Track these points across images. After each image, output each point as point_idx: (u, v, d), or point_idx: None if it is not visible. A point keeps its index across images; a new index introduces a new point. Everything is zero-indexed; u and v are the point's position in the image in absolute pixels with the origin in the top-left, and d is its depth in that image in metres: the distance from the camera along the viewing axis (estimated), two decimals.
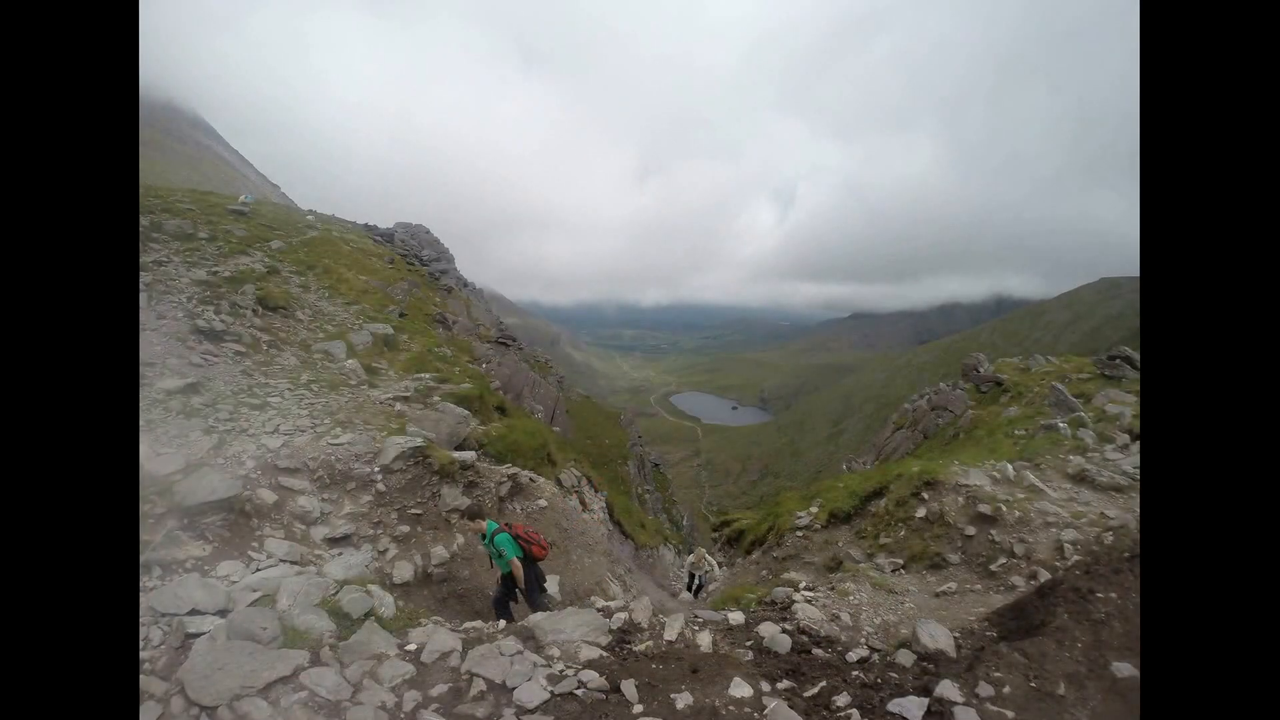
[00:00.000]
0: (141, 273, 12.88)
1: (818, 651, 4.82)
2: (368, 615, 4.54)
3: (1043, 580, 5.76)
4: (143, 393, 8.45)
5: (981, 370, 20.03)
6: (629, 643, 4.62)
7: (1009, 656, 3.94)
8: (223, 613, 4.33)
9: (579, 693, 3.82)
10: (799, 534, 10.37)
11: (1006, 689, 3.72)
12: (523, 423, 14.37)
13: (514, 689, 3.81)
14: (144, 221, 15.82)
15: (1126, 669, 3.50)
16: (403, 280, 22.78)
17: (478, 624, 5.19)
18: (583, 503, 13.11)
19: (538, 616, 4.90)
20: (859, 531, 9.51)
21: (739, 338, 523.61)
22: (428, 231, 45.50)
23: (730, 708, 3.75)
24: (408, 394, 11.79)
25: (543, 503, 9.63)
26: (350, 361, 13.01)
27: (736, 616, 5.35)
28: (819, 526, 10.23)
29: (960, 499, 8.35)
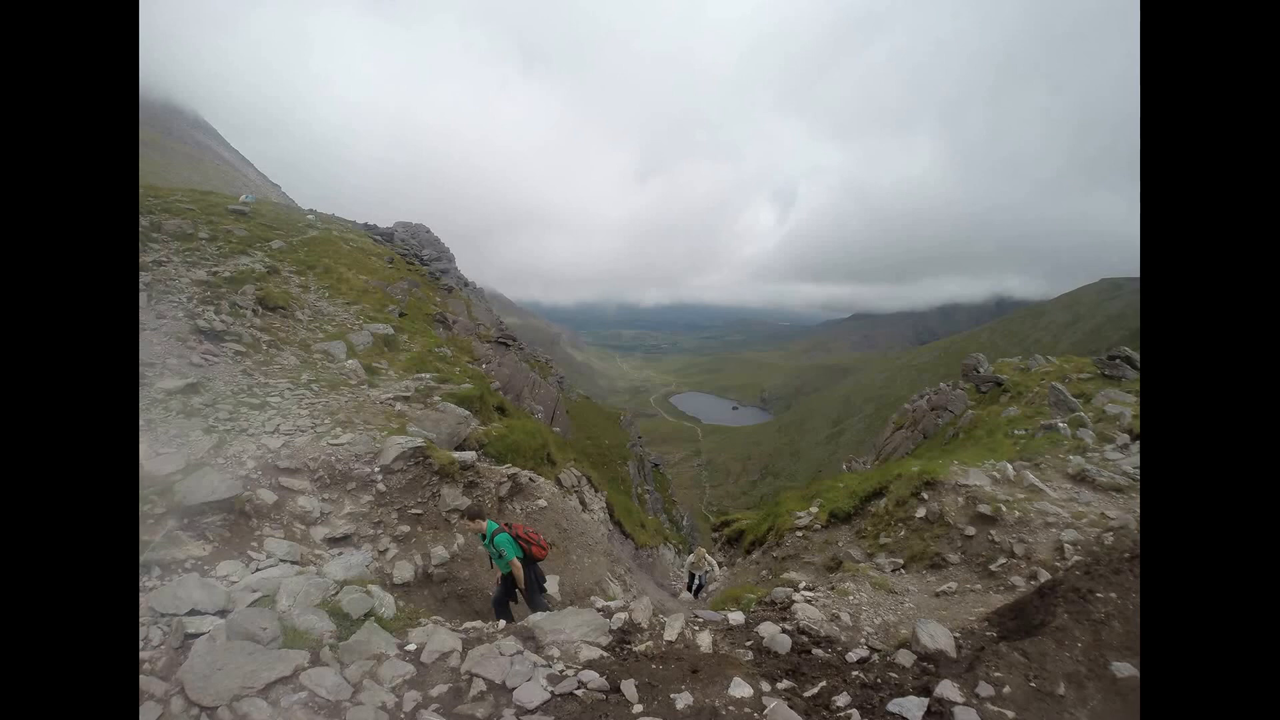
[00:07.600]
0: (141, 273, 12.87)
1: (818, 651, 4.81)
2: (368, 615, 4.54)
3: (1043, 580, 5.76)
4: (143, 393, 8.44)
5: (981, 370, 20.03)
6: (629, 643, 4.61)
7: (1009, 656, 3.94)
8: (223, 613, 4.32)
9: (579, 693, 3.82)
10: (799, 534, 10.38)
11: (1006, 689, 3.72)
12: (523, 423, 14.36)
13: (514, 689, 3.81)
14: (144, 221, 15.79)
15: (1126, 669, 3.50)
16: (403, 280, 22.76)
17: (478, 624, 5.18)
18: (582, 503, 13.10)
19: (538, 616, 4.90)
20: (859, 531, 9.52)
21: (739, 338, 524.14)
22: (428, 231, 45.55)
23: (730, 708, 3.75)
24: (408, 394, 11.78)
25: (542, 503, 9.63)
26: (350, 361, 13.00)
27: (736, 616, 5.34)
28: (819, 526, 10.23)
29: (960, 499, 8.35)
